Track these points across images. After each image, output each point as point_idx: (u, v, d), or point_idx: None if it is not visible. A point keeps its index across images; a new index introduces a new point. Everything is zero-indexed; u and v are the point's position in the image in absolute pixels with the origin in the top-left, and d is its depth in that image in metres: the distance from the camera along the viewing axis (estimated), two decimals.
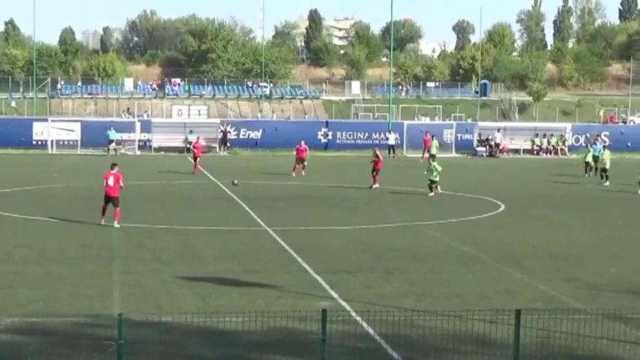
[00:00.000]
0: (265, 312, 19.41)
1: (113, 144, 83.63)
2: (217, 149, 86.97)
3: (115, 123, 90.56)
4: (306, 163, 62.96)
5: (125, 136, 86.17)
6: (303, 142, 63.24)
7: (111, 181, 35.40)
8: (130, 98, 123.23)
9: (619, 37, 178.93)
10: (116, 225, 34.99)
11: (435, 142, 77.43)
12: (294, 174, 61.09)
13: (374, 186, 53.07)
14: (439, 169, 50.22)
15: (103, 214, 35.82)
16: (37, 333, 20.05)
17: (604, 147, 66.81)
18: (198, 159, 63.05)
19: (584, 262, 30.27)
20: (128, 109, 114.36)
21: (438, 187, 49.90)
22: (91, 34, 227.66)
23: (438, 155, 68.84)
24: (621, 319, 21.41)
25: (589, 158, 64.75)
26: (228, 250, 31.39)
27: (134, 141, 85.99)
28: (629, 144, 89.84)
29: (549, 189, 55.60)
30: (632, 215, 43.62)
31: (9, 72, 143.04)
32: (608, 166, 59.11)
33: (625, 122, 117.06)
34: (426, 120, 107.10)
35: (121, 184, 35.93)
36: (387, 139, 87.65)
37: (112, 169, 36.17)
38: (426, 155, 73.91)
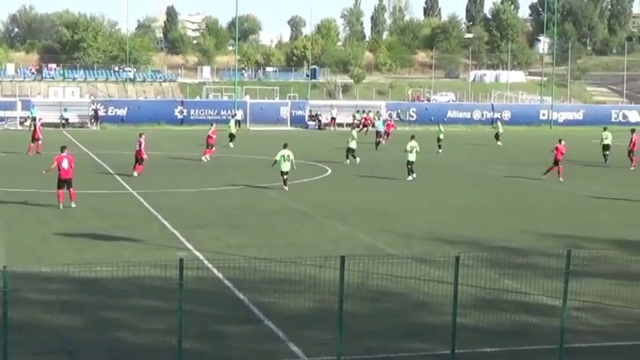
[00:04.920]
0: (131, 262, 19.31)
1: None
2: (89, 124, 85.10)
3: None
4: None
5: (8, 113, 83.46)
6: None
7: (65, 164, 30.75)
8: (12, 81, 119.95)
9: (424, 30, 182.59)
10: (73, 205, 30.53)
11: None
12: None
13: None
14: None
15: (60, 199, 30.75)
16: None
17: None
18: (39, 140, 54.30)
19: (396, 216, 30.85)
20: None
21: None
22: None
23: (273, 129, 68.31)
24: (425, 261, 21.93)
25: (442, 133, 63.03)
26: (99, 210, 30.94)
27: (15, 118, 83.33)
28: (432, 118, 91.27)
29: (368, 155, 56.17)
30: (436, 176, 44.52)
31: None
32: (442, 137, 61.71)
33: (429, 100, 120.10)
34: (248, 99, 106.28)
35: (72, 166, 31.12)
36: (235, 115, 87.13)
37: (62, 151, 31.41)
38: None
